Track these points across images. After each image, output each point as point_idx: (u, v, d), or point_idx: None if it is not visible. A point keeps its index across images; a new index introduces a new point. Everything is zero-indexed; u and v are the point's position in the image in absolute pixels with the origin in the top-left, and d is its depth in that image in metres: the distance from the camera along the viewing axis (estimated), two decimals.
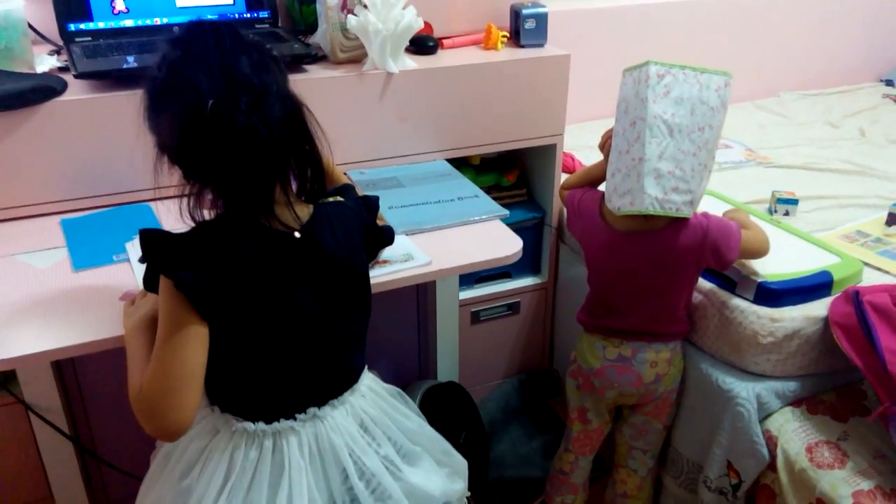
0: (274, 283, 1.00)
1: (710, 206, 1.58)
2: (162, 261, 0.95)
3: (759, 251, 1.45)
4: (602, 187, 1.50)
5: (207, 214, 0.99)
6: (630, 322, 1.50)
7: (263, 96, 0.94)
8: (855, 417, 1.43)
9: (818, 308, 1.45)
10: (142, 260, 0.99)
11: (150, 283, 1.01)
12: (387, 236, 1.20)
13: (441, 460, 1.23)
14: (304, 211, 1.05)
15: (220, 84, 0.91)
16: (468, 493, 1.28)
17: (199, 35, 0.95)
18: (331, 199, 1.11)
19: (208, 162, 0.94)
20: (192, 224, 0.99)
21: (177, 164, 0.97)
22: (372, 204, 1.19)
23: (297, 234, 1.02)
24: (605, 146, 1.50)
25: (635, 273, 1.46)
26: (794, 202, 1.83)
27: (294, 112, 1.00)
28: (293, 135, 1.01)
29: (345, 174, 1.55)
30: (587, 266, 1.56)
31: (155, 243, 0.97)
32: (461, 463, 1.27)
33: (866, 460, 1.34)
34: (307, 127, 1.02)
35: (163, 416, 0.93)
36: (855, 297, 1.38)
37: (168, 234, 0.98)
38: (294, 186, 1.05)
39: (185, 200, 0.98)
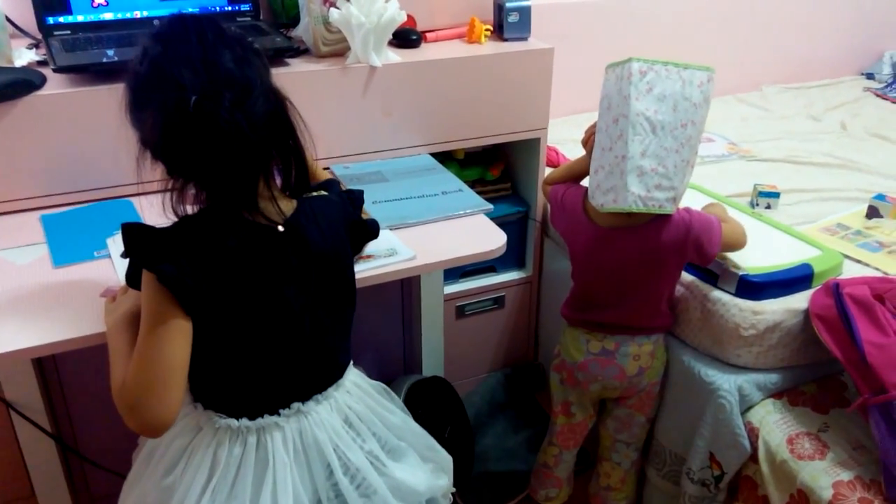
0: (258, 277, 1.00)
1: (692, 200, 1.59)
2: (145, 255, 0.95)
3: (737, 244, 1.47)
4: (585, 183, 1.50)
5: (190, 209, 0.99)
6: (613, 316, 1.50)
7: (247, 91, 0.94)
8: (835, 409, 1.45)
9: (799, 300, 1.46)
10: (124, 255, 0.98)
11: (132, 278, 1.01)
12: (372, 230, 1.19)
13: (426, 456, 1.23)
14: (288, 205, 1.04)
15: (202, 79, 0.90)
16: (453, 489, 1.28)
17: (181, 29, 0.94)
18: (315, 194, 1.10)
19: (191, 158, 0.93)
20: (175, 219, 0.98)
21: (160, 159, 0.96)
22: (356, 198, 1.19)
23: (280, 229, 1.01)
24: (588, 142, 1.50)
25: (618, 268, 1.46)
26: (776, 195, 1.85)
27: (278, 107, 0.99)
28: (277, 130, 1.00)
29: (327, 169, 1.54)
30: (571, 261, 1.57)
31: (138, 237, 0.96)
32: (446, 458, 1.27)
33: (846, 451, 1.35)
34: (291, 122, 1.02)
35: (146, 412, 0.93)
36: (835, 290, 1.39)
37: (151, 228, 0.97)
38: (278, 181, 1.05)
39: (167, 195, 0.97)
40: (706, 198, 1.75)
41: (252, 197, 0.99)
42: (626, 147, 1.32)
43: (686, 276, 1.54)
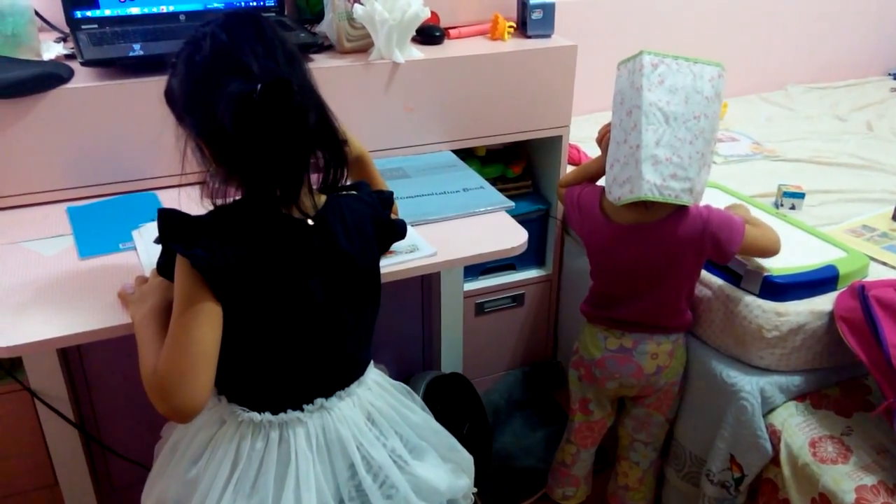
0: (286, 269, 1.01)
1: (716, 200, 1.57)
2: (179, 240, 0.95)
3: (768, 249, 1.44)
4: (601, 181, 1.50)
5: (226, 199, 0.99)
6: (631, 313, 1.50)
7: (300, 88, 0.95)
8: (859, 413, 1.43)
9: (823, 302, 1.45)
10: (158, 240, 0.99)
11: (164, 267, 1.02)
12: (399, 230, 1.19)
13: (446, 456, 1.23)
14: (318, 200, 1.05)
15: (265, 71, 0.92)
16: (475, 489, 1.28)
17: (240, 23, 0.95)
18: (344, 193, 1.11)
19: (250, 146, 0.93)
20: (212, 207, 0.99)
21: (214, 147, 0.96)
22: (386, 198, 1.19)
23: (310, 222, 1.02)
24: (602, 141, 1.50)
25: (637, 265, 1.46)
26: (801, 196, 1.83)
27: (320, 105, 1.00)
28: (322, 126, 1.01)
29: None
30: (589, 259, 1.56)
31: (172, 223, 0.97)
32: (467, 459, 1.27)
33: (870, 455, 1.34)
34: (331, 120, 1.03)
35: (178, 395, 0.93)
36: (861, 292, 1.38)
37: (186, 215, 0.98)
38: (316, 177, 1.05)
39: (206, 185, 0.98)
40: (731, 198, 1.74)
41: (297, 190, 1.00)
42: (640, 136, 1.32)
43: (709, 277, 1.53)
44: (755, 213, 1.64)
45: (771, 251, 1.44)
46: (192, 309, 0.95)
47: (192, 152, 0.98)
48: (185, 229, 0.96)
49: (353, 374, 1.13)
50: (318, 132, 1.00)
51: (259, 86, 0.89)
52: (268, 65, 0.93)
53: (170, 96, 0.99)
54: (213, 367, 0.96)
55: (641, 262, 1.45)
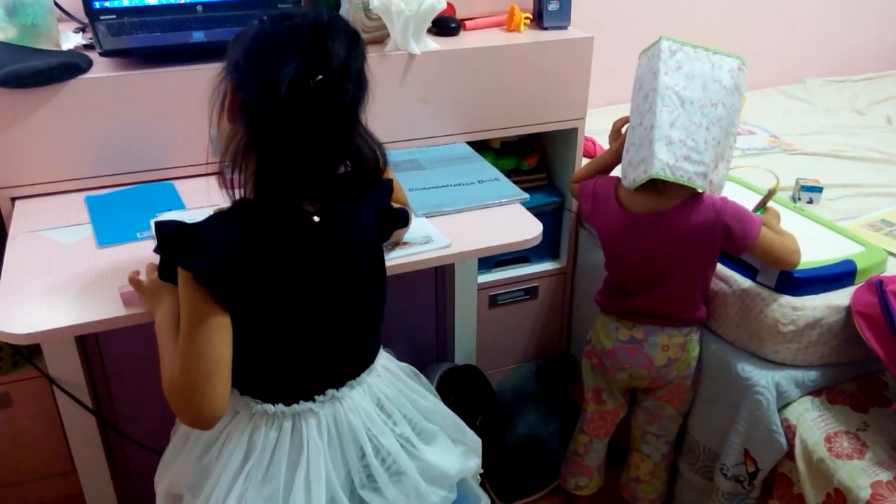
0: (294, 266, 1.01)
1: (735, 194, 1.56)
2: (179, 253, 0.95)
3: (782, 259, 1.40)
4: (616, 171, 1.50)
5: (237, 194, 0.99)
6: (643, 304, 1.49)
7: (356, 79, 0.96)
8: (875, 408, 1.42)
9: (841, 297, 1.44)
10: (157, 251, 0.99)
11: (165, 272, 1.02)
12: (401, 217, 1.20)
13: (456, 438, 1.24)
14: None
15: (319, 59, 0.92)
16: (481, 471, 1.29)
17: (327, 18, 0.96)
18: None
19: (293, 130, 0.93)
20: (235, 198, 0.99)
21: (251, 126, 0.95)
22: (385, 186, 1.19)
23: (315, 219, 1.02)
24: (616, 137, 1.52)
25: (649, 255, 1.45)
26: (819, 190, 1.81)
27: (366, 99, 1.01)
28: (358, 140, 1.02)
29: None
30: (603, 249, 1.56)
31: (172, 235, 0.96)
32: (475, 440, 1.28)
33: (886, 451, 1.33)
34: (369, 137, 1.03)
35: (197, 408, 0.95)
36: (878, 287, 1.37)
37: (184, 225, 0.97)
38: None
39: (229, 175, 0.98)
40: (748, 192, 1.73)
41: (313, 186, 1.00)
42: (655, 117, 1.33)
43: (724, 270, 1.52)
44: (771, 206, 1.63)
45: (786, 262, 1.41)
46: (201, 323, 0.94)
47: (219, 109, 0.98)
48: (184, 240, 0.95)
49: (363, 363, 1.13)
50: (353, 141, 1.00)
51: (321, 76, 0.90)
52: (324, 57, 0.92)
53: (233, 43, 0.98)
54: (228, 375, 0.97)
55: (654, 251, 1.45)
